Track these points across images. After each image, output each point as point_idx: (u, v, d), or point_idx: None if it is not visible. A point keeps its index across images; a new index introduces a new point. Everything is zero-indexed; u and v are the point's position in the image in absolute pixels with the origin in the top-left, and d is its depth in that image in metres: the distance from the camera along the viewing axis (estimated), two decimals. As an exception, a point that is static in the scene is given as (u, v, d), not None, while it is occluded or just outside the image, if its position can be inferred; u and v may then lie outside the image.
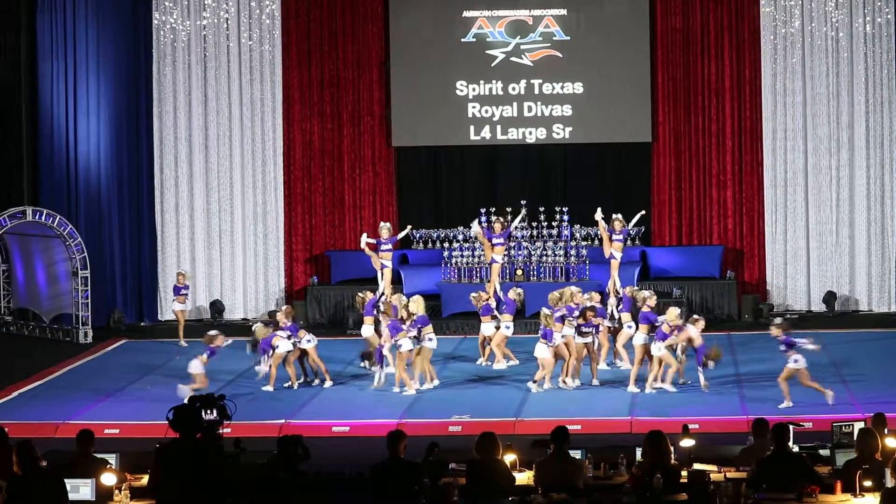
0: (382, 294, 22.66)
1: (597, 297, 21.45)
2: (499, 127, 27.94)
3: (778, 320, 19.91)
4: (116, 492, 12.15)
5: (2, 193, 27.18)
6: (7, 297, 27.50)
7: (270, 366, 20.73)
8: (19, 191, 27.45)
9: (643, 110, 27.58)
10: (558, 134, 27.88)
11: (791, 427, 12.51)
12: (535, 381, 20.22)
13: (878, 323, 25.98)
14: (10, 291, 27.49)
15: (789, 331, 19.29)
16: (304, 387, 20.85)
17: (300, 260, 28.19)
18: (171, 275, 27.94)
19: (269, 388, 20.63)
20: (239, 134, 28.06)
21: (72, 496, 11.33)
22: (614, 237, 23.30)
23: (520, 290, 22.55)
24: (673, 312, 19.99)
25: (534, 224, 26.61)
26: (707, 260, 27.15)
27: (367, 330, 21.62)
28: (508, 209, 26.59)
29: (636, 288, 22.41)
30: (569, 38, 27.77)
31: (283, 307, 22.43)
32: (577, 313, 20.63)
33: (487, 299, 22.20)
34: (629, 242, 27.10)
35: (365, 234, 23.75)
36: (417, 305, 20.75)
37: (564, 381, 20.44)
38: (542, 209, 26.66)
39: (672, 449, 12.29)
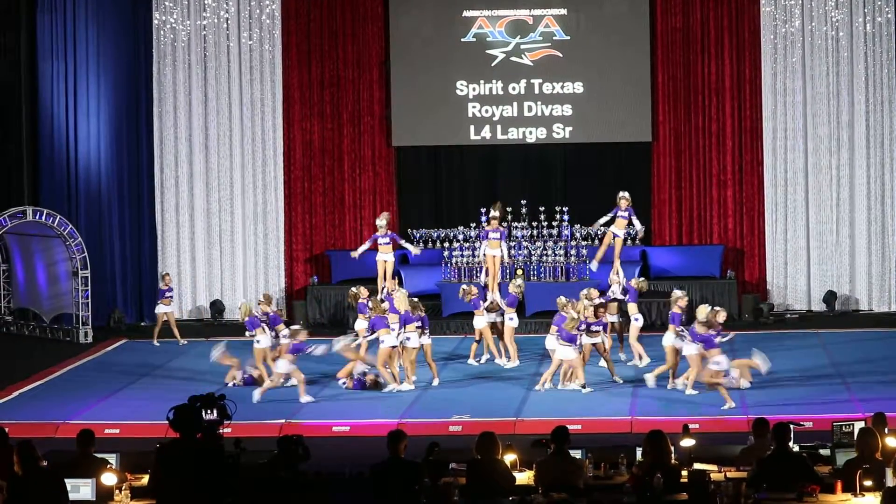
0: (384, 289, 22.66)
1: (595, 293, 21.39)
2: (499, 127, 27.94)
3: (702, 317, 19.74)
4: (117, 492, 12.15)
5: (2, 193, 27.19)
6: (7, 297, 27.50)
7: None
8: (19, 191, 27.45)
9: (643, 110, 27.57)
10: (558, 134, 27.88)
11: (791, 427, 12.50)
12: (583, 386, 20.11)
13: (878, 323, 25.97)
14: (11, 291, 27.49)
15: (711, 330, 19.35)
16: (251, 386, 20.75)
17: (300, 260, 28.19)
18: (172, 274, 27.84)
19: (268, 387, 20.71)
20: (239, 134, 28.06)
21: (72, 496, 11.34)
22: (619, 214, 23.25)
23: (519, 283, 22.58)
24: (704, 310, 19.89)
25: (534, 224, 26.61)
26: (707, 259, 27.15)
27: (360, 323, 21.73)
28: (509, 209, 26.63)
29: (641, 279, 22.44)
30: (569, 37, 27.76)
31: (262, 294, 22.38)
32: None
33: (475, 294, 22.18)
34: (629, 242, 27.13)
35: (357, 252, 23.63)
36: (402, 301, 20.87)
37: (565, 384, 20.39)
38: (542, 209, 26.66)
39: (672, 449, 12.30)
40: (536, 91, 27.84)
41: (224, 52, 27.99)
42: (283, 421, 18.53)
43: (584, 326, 20.25)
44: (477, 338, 22.45)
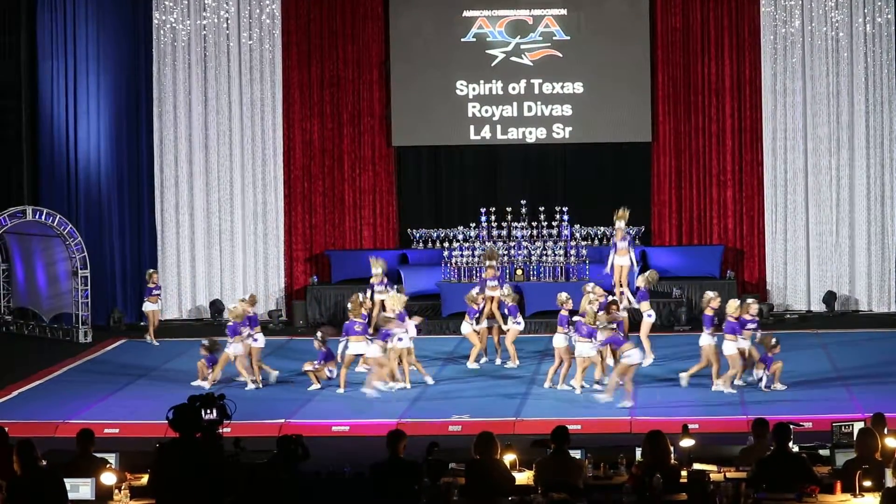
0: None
1: (599, 290, 21.35)
2: (499, 126, 27.94)
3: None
4: (116, 491, 12.15)
5: (2, 193, 27.19)
6: (7, 297, 27.50)
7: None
8: (19, 190, 27.46)
9: (643, 110, 27.58)
10: (558, 134, 27.88)
11: (791, 427, 12.50)
12: (603, 391, 20.11)
13: (877, 323, 25.97)
14: (10, 291, 27.50)
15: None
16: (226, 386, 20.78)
17: (300, 259, 28.19)
18: (172, 274, 27.98)
19: (254, 386, 20.72)
20: (239, 133, 28.06)
21: (72, 496, 11.33)
22: (618, 244, 23.15)
23: (507, 291, 22.44)
24: (734, 304, 19.86)
25: (534, 224, 26.62)
26: (707, 260, 27.15)
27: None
28: (508, 209, 26.65)
29: (647, 274, 22.35)
30: (569, 37, 27.77)
31: (248, 295, 22.35)
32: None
33: (479, 303, 22.16)
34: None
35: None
36: (395, 302, 20.85)
37: (569, 384, 20.37)
38: (541, 209, 26.67)
39: (672, 449, 12.30)
40: (536, 91, 27.84)
41: (224, 51, 27.99)
42: (282, 421, 18.53)
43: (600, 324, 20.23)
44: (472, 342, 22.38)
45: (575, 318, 20.35)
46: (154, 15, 27.80)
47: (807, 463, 12.12)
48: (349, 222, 28.23)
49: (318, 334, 21.35)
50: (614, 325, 20.06)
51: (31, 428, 17.63)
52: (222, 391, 11.03)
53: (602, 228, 27.10)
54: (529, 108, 27.88)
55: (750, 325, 19.98)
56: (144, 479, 11.96)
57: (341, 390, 20.48)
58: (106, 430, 17.71)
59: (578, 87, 27.78)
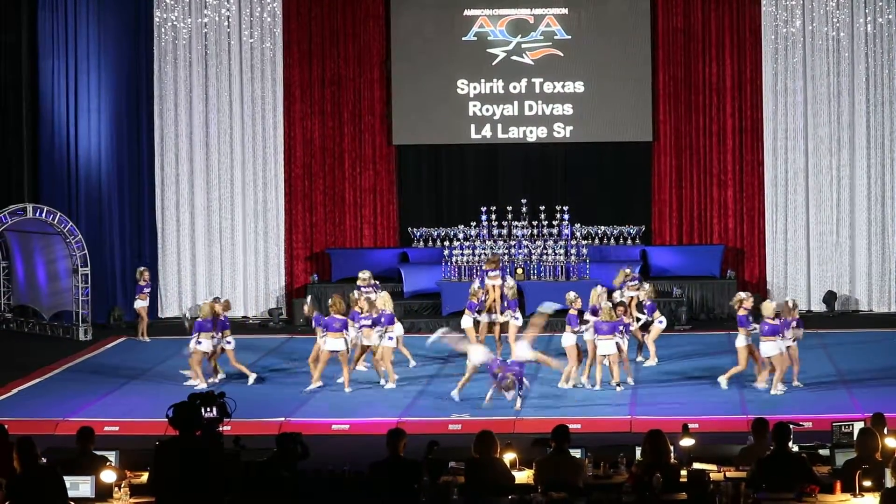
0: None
1: (604, 291, 21.35)
2: (499, 126, 27.94)
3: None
4: (116, 489, 12.15)
5: (2, 190, 27.19)
6: (7, 295, 27.51)
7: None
8: (20, 188, 27.46)
9: (644, 109, 27.58)
10: (559, 133, 27.88)
11: (791, 427, 12.49)
12: (618, 384, 20.07)
13: (877, 323, 25.97)
14: (11, 288, 27.50)
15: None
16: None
17: (301, 258, 28.19)
18: (172, 272, 28.00)
19: (203, 384, 20.71)
20: (240, 131, 28.07)
21: (71, 493, 11.33)
22: (628, 284, 22.58)
23: (511, 284, 22.50)
24: (769, 307, 19.83)
25: (534, 223, 26.63)
26: (707, 259, 27.16)
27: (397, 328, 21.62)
28: (509, 208, 26.65)
29: (647, 288, 22.27)
30: (570, 37, 27.77)
31: (223, 299, 22.33)
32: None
33: (476, 299, 22.15)
34: (629, 242, 27.16)
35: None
36: (385, 302, 20.82)
37: (571, 383, 20.35)
38: (542, 208, 26.68)
39: (671, 448, 12.29)
40: (537, 90, 27.84)
41: (225, 50, 28.00)
42: (282, 419, 18.52)
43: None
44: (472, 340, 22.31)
45: (589, 318, 20.34)
46: (155, 13, 27.81)
47: (807, 463, 12.11)
48: (350, 221, 28.24)
49: (308, 299, 21.33)
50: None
51: (30, 425, 17.63)
52: (222, 389, 11.02)
53: (602, 228, 27.13)
54: (530, 108, 27.88)
55: (794, 327, 19.87)
56: (144, 476, 11.96)
57: (348, 389, 20.50)
58: (106, 428, 17.71)
59: (579, 87, 27.78)
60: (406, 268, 26.95)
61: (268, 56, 28.02)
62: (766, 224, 27.50)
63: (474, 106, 27.96)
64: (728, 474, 12.46)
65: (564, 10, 27.77)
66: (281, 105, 28.05)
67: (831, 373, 20.99)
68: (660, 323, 21.98)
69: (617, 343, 20.15)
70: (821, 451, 13.20)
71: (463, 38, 27.91)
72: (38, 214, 25.31)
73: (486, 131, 27.97)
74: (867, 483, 11.62)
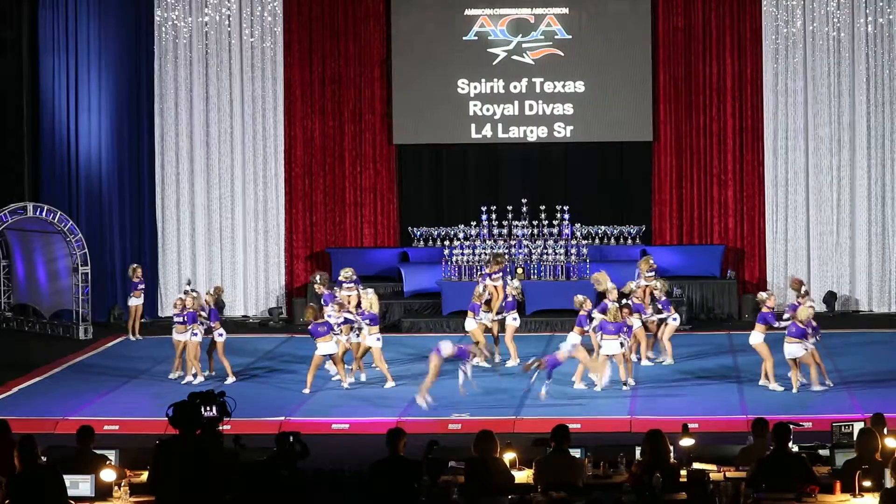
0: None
1: (614, 288, 21.36)
2: (500, 125, 27.94)
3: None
4: (116, 488, 12.16)
5: (3, 189, 27.17)
6: (7, 293, 27.51)
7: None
8: (20, 187, 27.44)
9: (644, 109, 27.58)
10: (559, 132, 27.88)
11: (791, 427, 12.50)
12: (624, 384, 20.06)
13: (877, 324, 25.98)
14: (11, 287, 27.50)
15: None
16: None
17: (301, 257, 28.19)
18: (173, 271, 27.99)
19: (201, 377, 20.83)
20: (240, 131, 28.07)
21: (71, 492, 11.34)
22: (645, 275, 22.63)
23: (517, 285, 22.55)
24: (804, 312, 19.74)
25: (534, 223, 26.63)
26: (708, 259, 27.16)
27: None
28: (509, 207, 26.64)
29: (660, 287, 22.23)
30: (570, 36, 27.77)
31: (213, 287, 22.32)
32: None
33: (491, 294, 22.11)
34: (629, 241, 27.16)
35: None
36: (372, 303, 20.81)
37: (586, 382, 20.34)
38: (542, 208, 26.68)
39: (671, 448, 12.30)
40: (538, 90, 27.84)
41: (225, 48, 27.99)
42: (282, 418, 18.53)
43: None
44: (474, 340, 22.24)
45: (596, 316, 20.34)
46: (156, 12, 27.81)
47: (806, 463, 12.12)
48: (350, 220, 28.24)
49: (317, 278, 21.26)
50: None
51: (30, 424, 17.61)
52: (222, 388, 11.02)
53: (602, 227, 27.13)
54: (531, 107, 27.88)
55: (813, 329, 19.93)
56: (144, 475, 11.96)
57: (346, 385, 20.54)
58: (106, 427, 17.72)
59: (580, 86, 27.78)
60: (406, 267, 26.95)
61: (268, 55, 28.02)
62: (767, 224, 27.50)
63: (475, 105, 27.96)
64: (728, 474, 12.47)
65: (565, 10, 27.77)
66: (281, 104, 28.05)
67: (831, 373, 20.97)
68: (674, 320, 21.98)
69: (621, 342, 20.14)
70: (820, 452, 13.21)
71: (464, 38, 27.91)
72: (38, 213, 25.31)
73: (487, 131, 27.97)
74: (867, 483, 11.63)
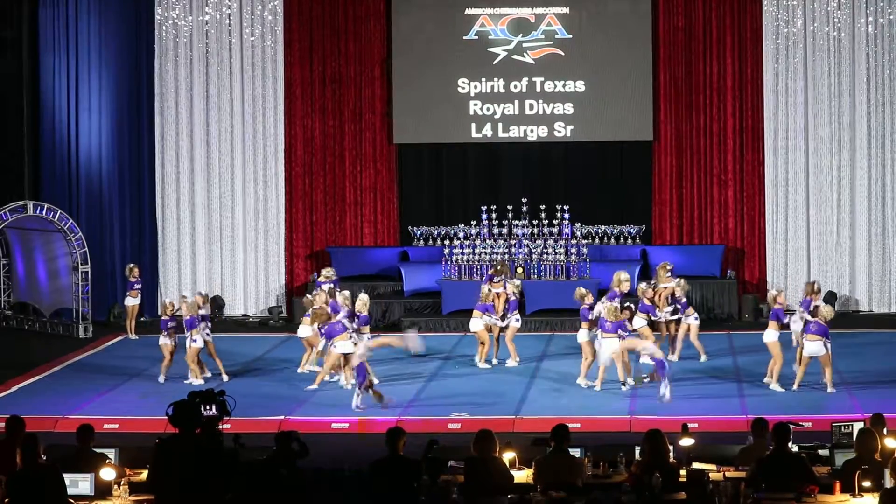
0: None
1: (626, 280, 21.34)
2: (500, 125, 27.94)
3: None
4: (115, 487, 12.17)
5: (3, 188, 27.18)
6: (7, 292, 27.51)
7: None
8: (20, 185, 27.46)
9: (645, 109, 27.58)
10: (560, 132, 27.88)
11: (791, 427, 12.50)
12: (623, 384, 20.06)
13: (878, 323, 25.97)
14: (11, 286, 27.51)
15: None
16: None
17: (301, 256, 28.19)
18: (173, 270, 28.00)
19: (200, 381, 20.77)
20: (240, 130, 28.07)
21: (71, 491, 11.35)
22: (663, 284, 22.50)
23: (517, 283, 22.53)
24: (826, 311, 19.71)
25: (534, 222, 26.63)
26: (708, 259, 27.15)
27: (304, 330, 21.52)
28: (509, 207, 26.64)
29: (681, 281, 22.21)
30: (571, 36, 27.77)
31: (199, 292, 22.28)
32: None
33: (493, 300, 22.02)
34: (629, 241, 27.16)
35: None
36: (363, 305, 20.79)
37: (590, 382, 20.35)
38: (542, 207, 26.68)
39: (670, 448, 12.30)
40: (538, 89, 27.84)
41: (226, 48, 28.00)
42: (282, 417, 18.53)
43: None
44: (479, 341, 22.19)
45: (599, 307, 20.37)
46: (156, 11, 27.81)
47: (806, 463, 12.13)
48: (350, 219, 28.24)
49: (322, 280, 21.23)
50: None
51: (30, 423, 17.36)
52: (222, 388, 11.03)
53: (602, 227, 27.13)
54: (531, 107, 27.88)
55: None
56: (144, 474, 11.97)
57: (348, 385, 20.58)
58: (105, 426, 17.72)
59: (580, 86, 27.78)
60: (406, 267, 26.95)
61: (269, 54, 28.02)
62: (767, 224, 27.50)
63: (475, 105, 27.95)
64: (727, 474, 12.47)
65: (565, 10, 27.77)
66: (282, 103, 28.05)
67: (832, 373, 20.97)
68: (695, 320, 21.93)
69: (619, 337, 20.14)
70: (820, 452, 13.21)
71: (464, 37, 27.91)
72: (38, 212, 25.31)
73: (487, 130, 27.97)
74: (866, 483, 11.63)
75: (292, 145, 28.14)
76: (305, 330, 21.41)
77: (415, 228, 27.45)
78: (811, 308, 20.16)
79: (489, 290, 22.05)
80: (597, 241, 27.00)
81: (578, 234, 26.63)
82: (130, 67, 27.87)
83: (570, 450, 12.45)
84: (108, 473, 12.20)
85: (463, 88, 27.96)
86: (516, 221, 26.63)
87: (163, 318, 21.45)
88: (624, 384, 20.05)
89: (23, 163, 27.67)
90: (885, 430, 12.99)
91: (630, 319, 20.59)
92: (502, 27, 27.85)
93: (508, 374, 21.52)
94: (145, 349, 24.18)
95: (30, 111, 27.76)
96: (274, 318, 27.16)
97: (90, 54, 27.65)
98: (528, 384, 20.69)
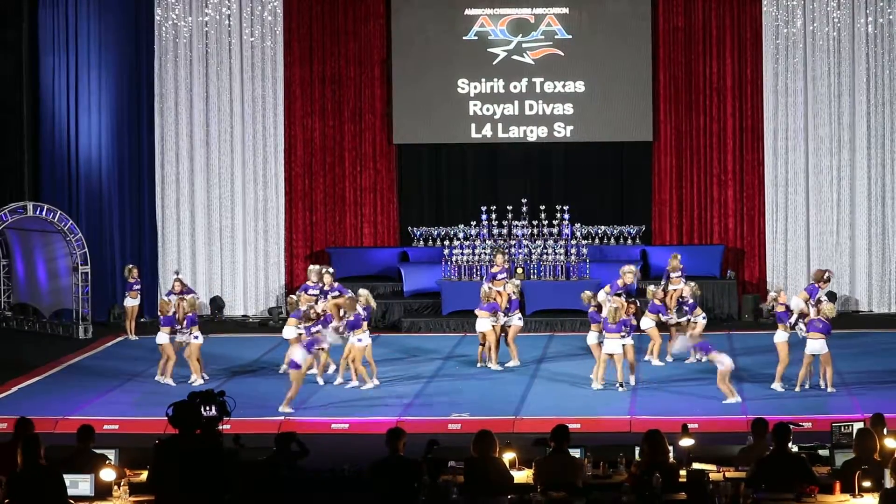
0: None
1: (631, 272, 21.36)
2: (500, 125, 27.94)
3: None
4: (115, 487, 12.16)
5: (3, 188, 27.19)
6: (7, 293, 27.51)
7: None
8: (20, 186, 27.45)
9: (644, 109, 27.58)
10: (559, 132, 27.88)
11: (791, 427, 12.50)
12: (620, 385, 20.03)
13: (878, 323, 25.97)
14: (11, 286, 27.51)
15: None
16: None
17: (300, 257, 28.19)
18: (172, 270, 27.94)
19: (200, 380, 20.82)
20: (240, 130, 28.07)
21: (71, 491, 11.34)
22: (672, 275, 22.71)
23: (517, 282, 22.52)
24: (828, 309, 19.68)
25: (534, 223, 26.63)
26: (707, 259, 27.15)
27: (289, 331, 21.44)
28: (509, 207, 26.65)
29: (692, 284, 22.24)
30: (570, 36, 27.77)
31: (190, 296, 22.29)
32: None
33: (495, 298, 21.98)
34: (629, 241, 27.17)
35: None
36: (368, 300, 20.78)
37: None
38: (542, 207, 26.68)
39: (670, 448, 12.29)
40: (538, 90, 27.84)
41: (226, 48, 28.00)
42: (282, 418, 18.53)
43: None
44: (481, 341, 22.15)
45: (602, 298, 20.42)
46: (156, 11, 27.81)
47: (806, 463, 12.12)
48: (350, 220, 28.24)
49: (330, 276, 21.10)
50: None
51: (30, 424, 17.61)
52: (222, 388, 11.03)
53: (602, 227, 27.13)
54: (531, 107, 27.88)
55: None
56: (143, 475, 11.97)
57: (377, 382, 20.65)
58: (105, 427, 17.71)
59: (580, 86, 27.78)
60: (406, 267, 26.96)
61: (268, 55, 28.02)
62: (767, 224, 27.50)
63: (475, 105, 27.96)
64: (727, 474, 12.46)
65: (565, 10, 27.77)
66: (281, 104, 28.06)
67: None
68: (703, 319, 21.97)
69: (624, 344, 20.13)
70: (820, 452, 13.21)
71: (464, 38, 27.91)
72: (38, 212, 25.31)
73: (487, 131, 27.97)
74: (866, 484, 11.63)
75: (292, 146, 28.14)
76: (290, 331, 21.44)
77: (415, 229, 27.46)
78: (816, 298, 20.13)
79: (490, 288, 22.01)
80: (597, 241, 27.00)
81: (578, 234, 26.63)
82: (130, 68, 27.86)
83: (570, 450, 12.45)
84: (108, 474, 12.20)
85: (463, 89, 27.97)
86: (516, 222, 26.63)
87: (188, 315, 21.13)
88: (622, 385, 20.03)
89: (23, 163, 27.67)
90: (885, 431, 12.99)
91: (638, 320, 20.61)
92: (502, 27, 27.85)
93: (508, 374, 21.51)
94: (145, 350, 24.18)
95: (30, 112, 27.75)
96: (274, 319, 27.15)
97: (90, 55, 27.64)
98: (528, 384, 20.68)
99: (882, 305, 27.26)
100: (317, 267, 22.94)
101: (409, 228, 27.64)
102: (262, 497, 11.63)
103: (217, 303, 27.76)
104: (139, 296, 25.42)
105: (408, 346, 23.89)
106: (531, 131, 27.92)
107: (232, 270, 28.15)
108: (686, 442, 12.99)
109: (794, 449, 12.67)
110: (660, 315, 21.68)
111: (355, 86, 28.11)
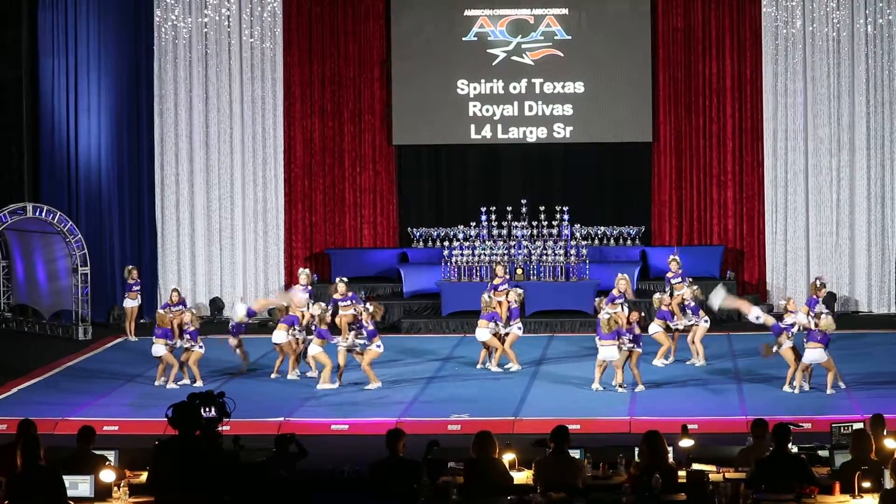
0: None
1: (624, 279, 21.39)
2: (499, 126, 27.95)
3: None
4: (115, 489, 12.15)
5: (2, 189, 27.19)
6: (7, 294, 27.52)
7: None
8: (20, 187, 27.45)
9: (644, 110, 27.59)
10: (559, 133, 27.88)
11: (790, 428, 12.49)
12: (620, 385, 20.06)
13: (877, 324, 25.97)
14: (10, 288, 27.51)
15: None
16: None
17: (300, 258, 28.19)
18: (172, 272, 27.98)
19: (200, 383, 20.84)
20: (240, 131, 28.07)
21: (71, 493, 11.33)
22: (673, 279, 22.75)
23: (520, 291, 22.52)
24: (826, 324, 19.63)
25: (534, 223, 26.62)
26: (707, 260, 27.14)
27: (278, 336, 21.54)
28: (509, 208, 26.65)
29: (695, 288, 22.28)
30: (570, 37, 27.77)
31: (191, 307, 22.38)
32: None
33: (495, 307, 21.97)
34: (629, 242, 27.18)
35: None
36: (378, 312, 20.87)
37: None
38: (542, 208, 26.68)
39: (669, 449, 12.29)
40: (537, 90, 27.85)
41: (225, 49, 27.99)
42: (281, 419, 18.53)
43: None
44: (484, 347, 22.13)
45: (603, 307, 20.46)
46: (155, 12, 27.81)
47: (806, 464, 12.12)
48: (349, 221, 28.24)
49: (369, 307, 21.10)
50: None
51: (30, 425, 17.60)
52: (222, 389, 11.03)
53: (602, 228, 27.14)
54: (530, 108, 27.88)
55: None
56: (143, 476, 11.97)
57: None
58: (105, 428, 17.69)
59: (579, 87, 27.78)
60: (406, 268, 26.95)
61: (268, 55, 28.02)
62: (766, 225, 27.51)
63: (474, 106, 27.96)
64: (727, 475, 12.45)
65: (565, 11, 27.78)
66: (281, 105, 28.06)
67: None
68: (705, 322, 21.96)
69: (619, 346, 20.11)
70: (820, 453, 13.20)
71: (463, 38, 27.91)
72: (37, 214, 25.31)
73: (486, 131, 27.97)
74: (866, 484, 11.62)
75: (292, 146, 28.14)
76: (280, 336, 21.48)
77: (414, 230, 27.46)
78: (816, 308, 20.15)
79: (490, 297, 22.01)
80: (596, 242, 27.01)
81: (578, 235, 26.63)
82: (130, 69, 27.87)
83: (570, 451, 12.44)
84: (107, 475, 12.19)
85: (462, 90, 27.97)
86: (516, 223, 26.63)
87: (191, 329, 21.17)
88: (621, 386, 20.03)
89: (22, 165, 27.67)
90: (884, 431, 12.99)
91: (644, 327, 20.66)
92: (501, 28, 27.86)
93: (508, 375, 21.50)
94: (145, 351, 24.16)
95: (29, 113, 27.75)
96: (273, 320, 27.10)
97: (89, 56, 27.65)
98: (528, 385, 20.68)
99: (882, 306, 27.26)
100: (307, 270, 23.24)
101: (409, 229, 27.65)
102: (262, 498, 11.62)
103: (216, 304, 27.75)
104: (139, 297, 25.42)
105: (407, 347, 23.88)
106: (531, 132, 27.92)
107: (231, 271, 28.14)
108: (686, 443, 12.99)
109: (794, 450, 12.67)
110: (666, 321, 21.71)
111: (355, 86, 28.12)
